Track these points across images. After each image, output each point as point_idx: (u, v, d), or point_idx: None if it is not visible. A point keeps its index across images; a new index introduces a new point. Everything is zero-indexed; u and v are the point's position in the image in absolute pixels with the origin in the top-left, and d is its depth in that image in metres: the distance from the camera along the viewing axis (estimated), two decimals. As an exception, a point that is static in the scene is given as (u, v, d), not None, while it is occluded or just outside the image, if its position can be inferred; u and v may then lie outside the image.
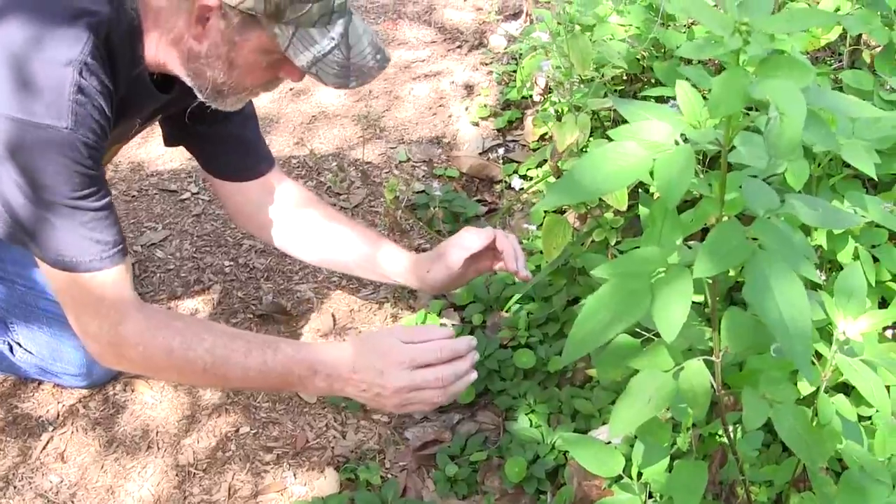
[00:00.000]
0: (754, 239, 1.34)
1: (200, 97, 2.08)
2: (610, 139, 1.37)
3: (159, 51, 2.01)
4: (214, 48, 1.95)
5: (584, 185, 1.29)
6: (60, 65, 1.82)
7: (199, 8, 1.89)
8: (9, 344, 2.55)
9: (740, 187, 1.43)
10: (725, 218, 1.39)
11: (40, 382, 2.67)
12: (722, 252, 1.30)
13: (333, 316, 2.89)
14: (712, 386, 1.55)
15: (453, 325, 2.76)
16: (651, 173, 1.30)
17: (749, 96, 1.15)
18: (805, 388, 1.69)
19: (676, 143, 1.30)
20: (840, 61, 2.93)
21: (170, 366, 2.10)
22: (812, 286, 1.56)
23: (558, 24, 2.43)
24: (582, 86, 2.54)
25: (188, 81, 2.06)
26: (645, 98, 2.66)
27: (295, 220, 2.54)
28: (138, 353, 2.06)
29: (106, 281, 1.99)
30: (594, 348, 1.41)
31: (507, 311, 2.75)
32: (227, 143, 2.38)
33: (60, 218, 1.91)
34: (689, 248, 1.47)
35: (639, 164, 1.28)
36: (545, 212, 2.69)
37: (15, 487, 2.42)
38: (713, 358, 1.56)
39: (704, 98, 1.37)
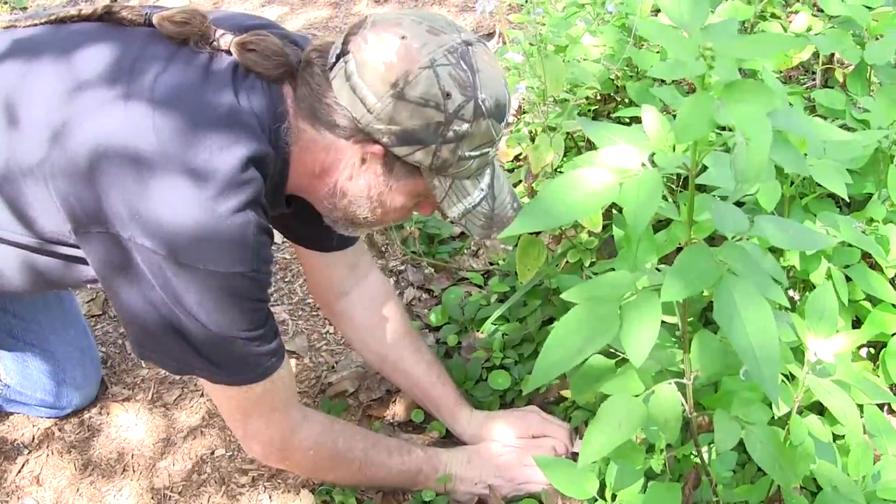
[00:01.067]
0: (723, 261, 1.34)
1: (328, 222, 2.05)
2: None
3: (302, 182, 1.97)
4: (366, 189, 1.92)
5: (552, 211, 1.29)
6: (241, 210, 1.76)
7: (362, 152, 1.86)
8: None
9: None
10: (695, 241, 1.38)
11: (14, 406, 2.65)
12: (690, 276, 1.30)
13: (308, 338, 2.88)
14: (684, 408, 1.55)
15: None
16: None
17: (715, 122, 1.15)
18: (782, 408, 1.69)
19: (644, 166, 1.30)
20: (813, 80, 2.95)
21: (333, 466, 2.25)
22: (784, 307, 1.57)
23: (531, 44, 2.42)
24: (557, 107, 2.54)
25: (322, 211, 2.03)
26: (619, 118, 2.67)
27: (370, 319, 2.52)
28: (308, 458, 2.18)
29: (274, 385, 2.01)
30: (563, 373, 1.41)
31: (482, 332, 2.75)
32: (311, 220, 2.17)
33: (237, 348, 1.89)
34: (659, 270, 1.47)
35: (606, 189, 1.27)
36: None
37: (-11, 512, 2.41)
38: (685, 380, 1.56)
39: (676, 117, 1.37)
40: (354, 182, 1.91)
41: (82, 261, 1.92)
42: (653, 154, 1.31)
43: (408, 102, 1.77)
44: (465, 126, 1.80)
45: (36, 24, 1.99)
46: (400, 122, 1.79)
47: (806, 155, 1.99)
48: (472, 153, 1.85)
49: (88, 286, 2.04)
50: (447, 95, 1.77)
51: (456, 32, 1.83)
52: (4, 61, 1.92)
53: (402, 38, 1.78)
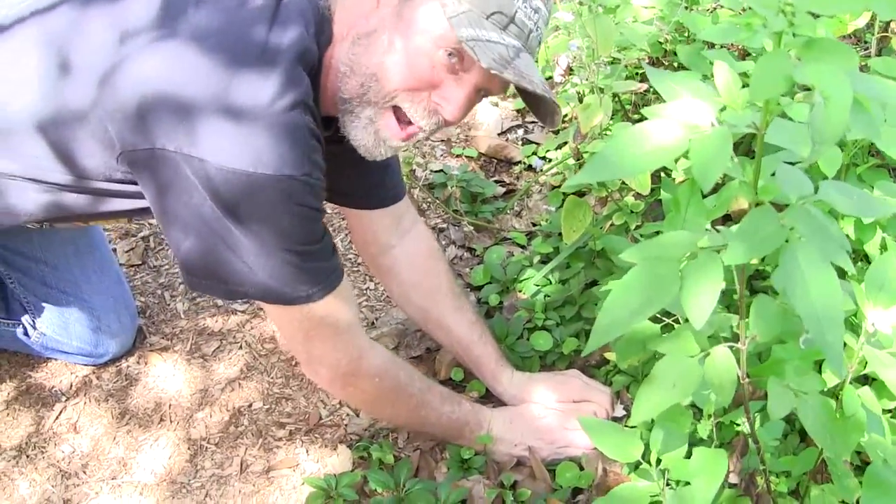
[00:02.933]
0: (788, 225, 1.31)
1: (338, 109, 1.94)
2: (637, 120, 1.34)
3: (333, 53, 1.90)
4: (380, 22, 1.84)
5: (619, 163, 1.26)
6: (290, 110, 1.72)
7: None
8: (23, 326, 2.55)
9: (772, 174, 1.40)
10: (761, 203, 1.36)
11: (53, 353, 2.66)
12: (755, 238, 1.27)
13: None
14: (737, 374, 1.53)
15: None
16: (684, 155, 1.28)
17: (791, 80, 1.12)
18: (830, 378, 1.67)
19: (713, 124, 1.27)
20: (866, 49, 2.90)
21: (393, 399, 2.24)
22: (841, 275, 1.54)
23: (581, 4, 2.40)
24: (607, 67, 2.51)
25: (340, 84, 1.90)
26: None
27: (414, 275, 2.50)
28: (373, 385, 2.15)
29: (335, 306, 1.97)
30: (621, 334, 1.39)
31: (523, 293, 2.73)
32: (357, 166, 2.11)
33: (291, 262, 1.85)
34: (718, 231, 1.45)
35: (676, 144, 1.24)
36: (564, 194, 2.67)
37: (28, 456, 2.42)
38: (738, 345, 1.54)
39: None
40: (370, 21, 1.86)
41: (113, 193, 1.92)
42: (722, 110, 1.29)
43: None
44: None
45: None
46: None
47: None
48: None
49: (108, 222, 2.01)
50: None
51: None
52: (55, 8, 1.91)
53: None
